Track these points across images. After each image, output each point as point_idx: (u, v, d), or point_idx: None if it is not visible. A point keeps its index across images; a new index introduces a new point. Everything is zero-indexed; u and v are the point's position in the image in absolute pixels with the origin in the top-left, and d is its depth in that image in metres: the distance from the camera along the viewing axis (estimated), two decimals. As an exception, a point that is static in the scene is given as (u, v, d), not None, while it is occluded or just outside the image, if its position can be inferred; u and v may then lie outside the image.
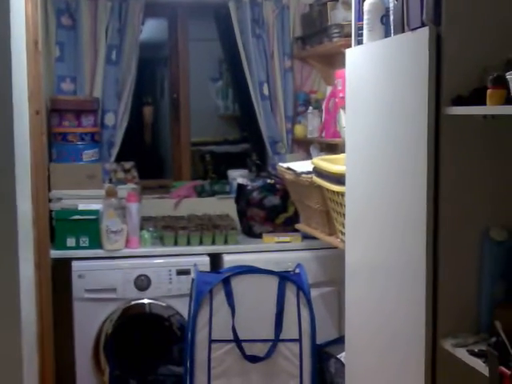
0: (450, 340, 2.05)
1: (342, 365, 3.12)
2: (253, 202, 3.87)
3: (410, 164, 2.18)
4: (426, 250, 2.08)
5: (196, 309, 3.19)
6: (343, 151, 2.84)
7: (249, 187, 3.90)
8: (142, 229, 3.77)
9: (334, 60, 3.97)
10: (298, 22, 4.22)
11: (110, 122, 4.02)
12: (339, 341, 3.32)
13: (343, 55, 2.78)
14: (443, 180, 2.05)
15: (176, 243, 3.72)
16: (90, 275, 3.53)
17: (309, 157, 3.98)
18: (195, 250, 3.70)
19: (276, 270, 3.39)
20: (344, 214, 2.85)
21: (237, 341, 3.21)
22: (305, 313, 3.27)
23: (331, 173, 3.01)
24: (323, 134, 3.92)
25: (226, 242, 3.75)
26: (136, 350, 3.60)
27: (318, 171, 3.18)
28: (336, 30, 3.56)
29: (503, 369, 1.77)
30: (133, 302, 3.58)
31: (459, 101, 1.98)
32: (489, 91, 1.84)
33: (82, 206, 3.66)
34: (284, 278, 3.28)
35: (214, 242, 3.74)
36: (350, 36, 2.79)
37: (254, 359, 3.23)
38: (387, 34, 2.44)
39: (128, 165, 4.21)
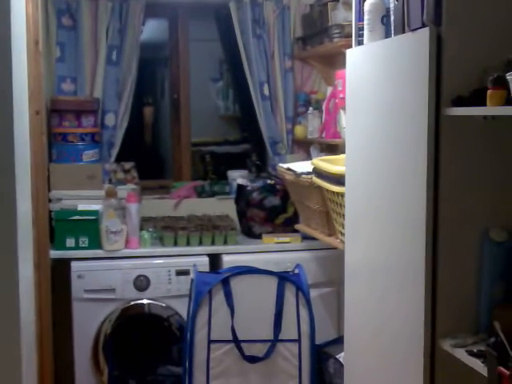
0: (449, 340, 2.05)
1: (341, 365, 3.12)
2: (253, 202, 3.87)
3: (409, 165, 2.18)
4: (425, 250, 2.08)
5: (195, 309, 3.19)
6: (343, 152, 2.83)
7: (249, 188, 3.90)
8: (141, 229, 3.77)
9: (335, 60, 3.97)
10: (299, 22, 4.22)
11: (110, 122, 4.02)
12: (338, 341, 3.32)
13: (344, 55, 2.78)
14: (443, 181, 2.05)
15: (175, 244, 3.72)
16: (90, 275, 3.53)
17: (309, 157, 3.98)
18: (195, 251, 3.70)
19: (275, 270, 3.39)
20: (344, 215, 2.85)
21: (236, 341, 3.21)
22: (304, 313, 3.27)
23: (331, 173, 3.01)
24: (323, 135, 3.92)
25: (225, 243, 3.75)
26: (135, 351, 3.60)
27: (317, 172, 3.18)
28: (336, 31, 3.57)
29: (502, 369, 1.77)
30: (132, 303, 3.58)
31: (459, 101, 1.98)
32: (489, 92, 1.84)
33: (81, 207, 3.67)
34: (283, 278, 3.28)
35: (213, 243, 3.74)
36: (351, 36, 2.79)
37: (253, 359, 3.23)
38: (388, 35, 2.44)
39: (128, 165, 4.21)
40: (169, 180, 4.71)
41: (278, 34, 4.19)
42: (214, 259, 3.70)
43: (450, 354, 2.03)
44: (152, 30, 5.02)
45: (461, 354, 1.98)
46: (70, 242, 3.60)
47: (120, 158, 4.14)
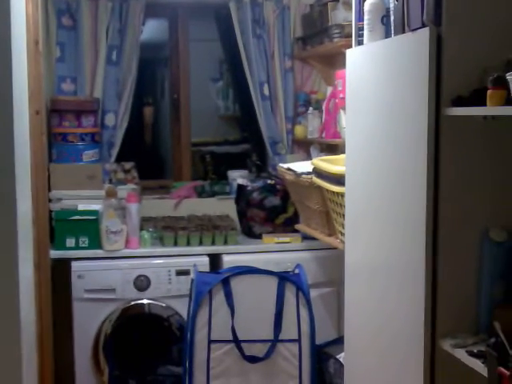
0: (449, 340, 2.05)
1: (341, 365, 3.12)
2: (253, 202, 3.87)
3: (410, 164, 2.18)
4: (425, 250, 2.08)
5: (195, 309, 3.19)
6: (343, 152, 2.83)
7: (249, 188, 3.90)
8: (141, 229, 3.77)
9: (335, 60, 3.97)
10: (299, 22, 4.22)
11: (110, 122, 4.02)
12: (338, 341, 3.32)
13: (344, 55, 2.77)
14: (443, 180, 2.05)
15: (176, 243, 3.72)
16: (90, 275, 3.53)
17: (309, 157, 3.98)
18: (195, 251, 3.70)
19: (275, 270, 3.39)
20: (344, 215, 2.84)
21: (236, 341, 3.21)
22: (304, 313, 3.27)
23: (331, 173, 3.01)
24: (323, 135, 3.92)
25: (225, 243, 3.75)
26: (135, 351, 3.60)
27: (317, 172, 3.18)
28: (336, 31, 3.56)
29: (502, 369, 1.76)
30: (132, 303, 3.58)
31: (459, 101, 1.98)
32: (489, 92, 1.84)
33: (81, 207, 3.66)
34: (283, 278, 3.28)
35: (213, 243, 3.74)
36: (351, 36, 2.79)
37: (253, 359, 3.23)
38: (388, 35, 2.44)
39: (128, 165, 4.21)
40: (169, 180, 4.71)
41: (277, 33, 4.19)
42: (214, 259, 3.70)
43: (450, 354, 2.03)
44: (152, 29, 5.02)
45: (461, 355, 1.98)
46: (70, 241, 3.60)
47: (120, 158, 4.14)
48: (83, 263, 3.57)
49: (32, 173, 3.05)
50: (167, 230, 3.74)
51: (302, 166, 3.45)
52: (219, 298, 3.22)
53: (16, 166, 2.50)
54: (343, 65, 2.82)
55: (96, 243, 3.62)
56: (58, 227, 3.60)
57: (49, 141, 3.76)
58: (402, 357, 2.29)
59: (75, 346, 3.57)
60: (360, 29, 2.65)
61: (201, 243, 3.73)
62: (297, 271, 3.37)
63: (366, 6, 2.50)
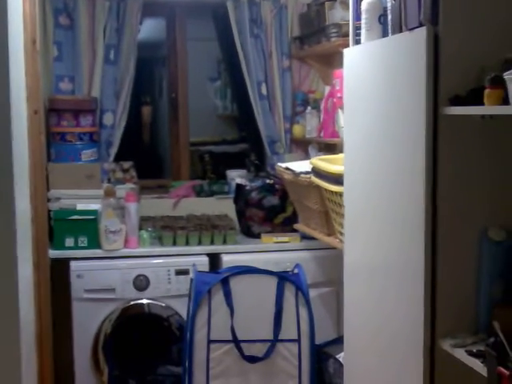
0: (448, 340, 2.05)
1: (341, 365, 3.12)
2: (251, 202, 3.87)
3: (408, 164, 2.18)
4: (424, 249, 2.08)
5: (195, 309, 3.19)
6: (342, 151, 2.83)
7: (247, 187, 3.90)
8: (140, 229, 3.77)
9: (332, 60, 3.97)
10: (296, 21, 4.22)
11: (108, 121, 4.02)
12: (338, 341, 3.32)
13: (341, 55, 2.78)
14: (441, 180, 2.05)
15: (175, 243, 3.71)
16: (89, 275, 3.53)
17: (307, 157, 3.98)
18: (194, 250, 3.69)
19: (275, 270, 3.39)
20: (342, 214, 2.84)
21: (235, 341, 3.21)
22: (303, 313, 3.27)
23: (329, 173, 3.01)
24: (321, 134, 3.92)
25: (224, 242, 3.75)
26: (135, 350, 3.60)
27: (316, 171, 3.17)
28: (334, 30, 3.56)
29: (501, 369, 1.77)
30: (132, 302, 3.58)
31: (457, 101, 1.98)
32: (486, 91, 1.84)
33: (80, 206, 3.66)
34: (283, 278, 3.28)
35: (212, 242, 3.74)
36: (348, 36, 2.79)
37: (252, 359, 3.23)
38: (385, 34, 2.44)
39: (127, 164, 4.20)
40: (167, 179, 4.71)
41: (275, 33, 4.18)
42: (214, 259, 3.70)
43: (449, 353, 2.03)
44: (150, 29, 5.02)
45: (460, 354, 1.98)
46: (69, 241, 3.60)
47: (118, 158, 4.14)
48: (82, 263, 3.56)
49: (30, 172, 3.05)
50: (166, 230, 3.74)
51: (301, 166, 3.44)
52: (218, 297, 3.22)
53: (14, 165, 2.49)
54: (341, 64, 2.82)
55: (95, 243, 3.62)
56: (57, 227, 3.60)
57: (47, 140, 3.75)
58: (401, 356, 2.29)
59: (75, 345, 3.57)
60: (357, 28, 2.65)
61: (200, 243, 3.73)
62: (296, 271, 3.37)
63: (364, 6, 2.50)
